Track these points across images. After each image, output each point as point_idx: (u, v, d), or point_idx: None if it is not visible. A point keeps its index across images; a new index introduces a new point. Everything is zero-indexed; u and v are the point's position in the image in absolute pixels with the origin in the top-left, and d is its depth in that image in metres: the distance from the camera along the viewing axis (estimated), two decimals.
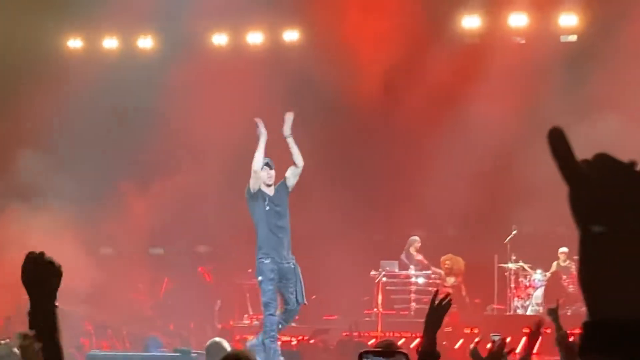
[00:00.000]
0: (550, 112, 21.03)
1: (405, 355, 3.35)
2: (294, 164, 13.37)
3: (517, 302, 20.52)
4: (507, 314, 20.43)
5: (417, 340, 14.42)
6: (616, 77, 20.23)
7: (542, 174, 20.65)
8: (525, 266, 20.54)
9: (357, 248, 20.17)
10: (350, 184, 21.67)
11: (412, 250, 20.96)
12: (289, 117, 13.41)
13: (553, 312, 8.95)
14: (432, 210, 20.94)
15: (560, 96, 20.94)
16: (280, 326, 13.38)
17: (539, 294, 20.18)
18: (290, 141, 13.32)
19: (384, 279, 20.56)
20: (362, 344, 17.15)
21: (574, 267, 20.73)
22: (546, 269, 20.58)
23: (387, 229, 22.04)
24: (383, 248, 21.37)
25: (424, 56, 21.66)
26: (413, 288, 20.69)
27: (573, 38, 21.93)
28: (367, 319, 20.42)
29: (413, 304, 20.59)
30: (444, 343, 18.62)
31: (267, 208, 13.20)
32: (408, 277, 20.76)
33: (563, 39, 22.00)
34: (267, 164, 13.23)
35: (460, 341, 18.84)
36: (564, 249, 20.82)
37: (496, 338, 6.59)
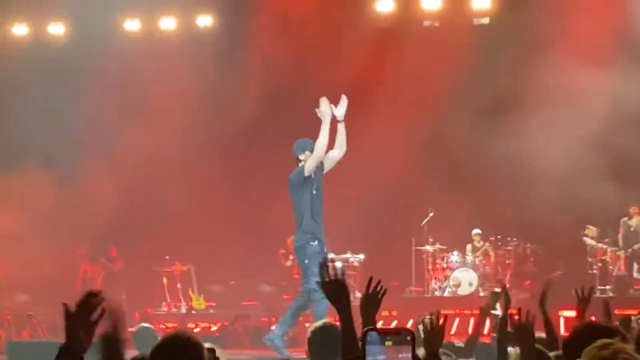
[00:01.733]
0: (465, 95, 21.30)
1: (411, 332, 3.32)
2: (340, 147, 12.99)
3: (434, 284, 20.71)
4: (425, 296, 20.61)
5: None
6: (527, 61, 20.56)
7: (458, 157, 21.08)
8: (442, 248, 20.79)
9: (273, 233, 20.15)
10: (263, 170, 21.49)
11: None
12: (344, 101, 12.91)
13: (495, 295, 8.98)
14: (349, 194, 20.97)
15: (474, 79, 21.20)
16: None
17: (456, 275, 20.38)
18: (341, 126, 12.88)
19: None
20: None
21: (489, 249, 21.01)
22: (462, 252, 20.81)
23: None
24: None
25: (338, 40, 21.64)
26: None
27: (486, 21, 22.12)
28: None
29: None
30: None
31: (314, 192, 12.83)
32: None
33: (476, 21, 22.17)
34: None
35: (380, 322, 18.95)
36: (477, 231, 21.10)
37: (427, 319, 6.64)
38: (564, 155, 19.59)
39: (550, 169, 19.84)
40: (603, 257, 20.54)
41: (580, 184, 19.28)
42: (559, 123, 20.07)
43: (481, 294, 20.25)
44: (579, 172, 19.36)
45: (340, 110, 12.82)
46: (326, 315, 11.45)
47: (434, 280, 20.72)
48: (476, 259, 20.71)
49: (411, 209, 21.40)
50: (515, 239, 21.11)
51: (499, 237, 21.25)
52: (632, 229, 20.55)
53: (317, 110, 12.77)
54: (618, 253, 20.42)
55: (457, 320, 18.36)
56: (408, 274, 21.03)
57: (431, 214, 20.72)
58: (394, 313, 19.43)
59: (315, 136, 12.84)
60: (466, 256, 20.69)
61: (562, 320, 16.56)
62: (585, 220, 20.55)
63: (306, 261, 12.70)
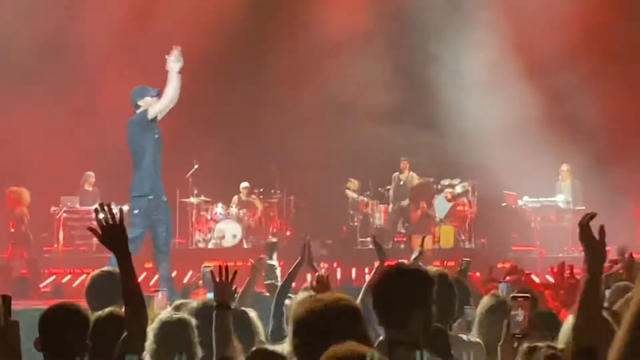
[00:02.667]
0: (239, 44, 21.33)
1: None
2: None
3: (198, 236, 20.68)
4: (189, 247, 20.56)
5: None
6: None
7: (222, 108, 21.06)
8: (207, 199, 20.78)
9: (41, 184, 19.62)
10: None
11: (86, 186, 20.61)
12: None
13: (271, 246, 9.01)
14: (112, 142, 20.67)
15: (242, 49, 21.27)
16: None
17: (220, 227, 20.41)
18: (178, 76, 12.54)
19: (65, 214, 20.11)
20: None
21: (256, 201, 21.16)
22: (227, 203, 20.86)
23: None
24: (63, 183, 20.73)
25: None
26: (94, 224, 20.33)
27: None
28: (46, 255, 19.92)
29: (94, 240, 20.27)
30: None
31: (156, 136, 12.46)
32: (89, 212, 20.39)
33: None
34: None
35: (144, 274, 18.81)
36: (245, 184, 21.22)
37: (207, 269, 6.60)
38: (329, 107, 19.93)
39: (317, 121, 20.17)
40: (364, 210, 21.09)
41: (347, 135, 19.70)
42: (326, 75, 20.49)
43: (245, 245, 20.43)
44: (346, 123, 19.79)
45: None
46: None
47: (197, 232, 20.69)
48: (240, 212, 20.82)
49: (175, 161, 21.21)
50: (279, 191, 21.33)
51: (262, 190, 21.43)
52: (401, 183, 21.17)
53: (167, 57, 12.44)
54: (380, 205, 21.01)
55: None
56: (172, 226, 20.83)
57: (196, 166, 20.62)
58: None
59: None
60: (230, 208, 20.76)
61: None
62: (349, 174, 21.03)
63: (135, 212, 12.50)
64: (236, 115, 21.16)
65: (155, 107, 12.35)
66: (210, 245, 20.33)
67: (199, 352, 5.21)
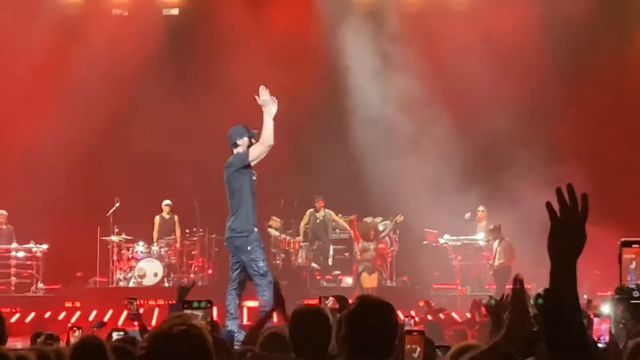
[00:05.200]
0: (153, 83, 21.35)
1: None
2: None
3: (119, 275, 20.50)
4: (110, 286, 20.37)
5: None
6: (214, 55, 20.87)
7: (142, 147, 20.97)
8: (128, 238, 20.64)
9: None
10: None
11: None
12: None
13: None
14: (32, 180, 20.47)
15: (164, 67, 21.33)
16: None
17: (141, 265, 20.25)
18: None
19: None
20: None
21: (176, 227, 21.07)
22: (149, 242, 20.73)
23: None
24: None
25: (22, 31, 21.23)
26: (13, 262, 20.14)
27: (175, 12, 22.24)
28: None
29: (13, 279, 20.08)
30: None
31: (254, 178, 12.41)
32: (8, 251, 20.17)
33: (165, 12, 22.24)
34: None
35: (63, 314, 18.68)
36: (168, 202, 21.04)
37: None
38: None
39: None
40: (286, 248, 21.13)
41: (267, 175, 19.76)
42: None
43: (166, 284, 20.30)
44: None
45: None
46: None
47: (118, 271, 20.51)
48: (162, 250, 20.70)
49: (96, 199, 21.12)
50: (201, 230, 21.26)
51: (187, 231, 21.36)
52: (318, 221, 21.26)
53: (258, 98, 12.33)
54: (302, 244, 21.06)
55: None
56: (92, 265, 20.70)
57: (117, 204, 20.47)
58: (77, 304, 19.15)
59: None
60: (152, 247, 20.63)
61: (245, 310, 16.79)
62: (270, 212, 21.05)
63: (249, 247, 12.31)
64: (155, 154, 21.11)
65: (257, 150, 12.32)
66: (131, 284, 20.15)
67: None
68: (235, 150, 12.46)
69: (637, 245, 4.13)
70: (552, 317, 3.05)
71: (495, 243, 20.05)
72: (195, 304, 4.96)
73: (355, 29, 21.73)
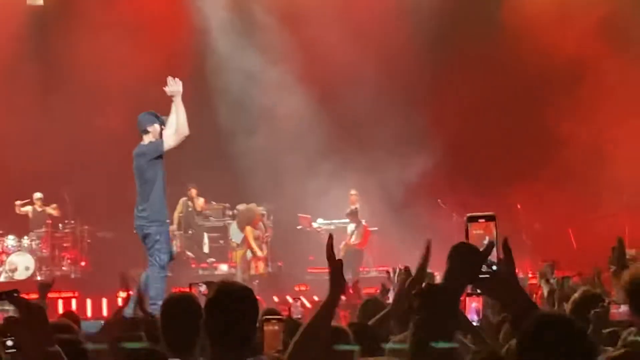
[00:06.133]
0: (16, 75, 21.01)
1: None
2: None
3: None
4: None
5: None
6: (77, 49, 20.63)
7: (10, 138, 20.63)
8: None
9: None
10: None
11: None
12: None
13: None
14: None
15: (27, 59, 21.04)
16: None
17: (12, 259, 19.93)
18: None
19: None
20: None
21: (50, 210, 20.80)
22: (19, 235, 20.40)
23: None
24: None
25: None
26: None
27: (40, 2, 21.89)
28: None
29: None
30: None
31: (163, 169, 12.31)
32: None
33: (30, 2, 21.88)
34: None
35: None
36: (39, 195, 20.74)
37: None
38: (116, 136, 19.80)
39: (106, 147, 20.02)
40: None
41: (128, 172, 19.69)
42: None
43: (38, 277, 20.01)
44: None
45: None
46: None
47: None
48: (33, 243, 20.41)
49: None
50: (72, 221, 21.01)
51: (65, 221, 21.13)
52: (189, 209, 21.22)
53: (166, 89, 12.18)
54: (176, 232, 20.98)
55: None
56: None
57: None
58: None
59: None
60: (22, 240, 20.31)
61: None
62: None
63: (158, 237, 12.28)
64: (24, 145, 20.82)
65: (173, 141, 12.25)
66: (2, 279, 19.79)
67: None
68: (145, 137, 12.41)
69: (484, 220, 4.14)
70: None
71: (352, 226, 20.43)
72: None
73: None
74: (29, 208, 20.99)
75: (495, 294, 4.12)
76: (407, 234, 18.66)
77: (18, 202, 20.88)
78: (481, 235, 4.04)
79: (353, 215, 20.34)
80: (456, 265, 4.02)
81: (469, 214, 4.07)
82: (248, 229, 20.14)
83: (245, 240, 20.26)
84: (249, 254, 19.99)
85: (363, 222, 20.47)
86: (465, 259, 3.96)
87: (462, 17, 21.92)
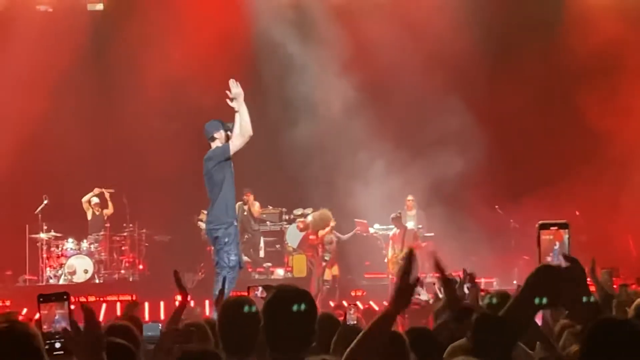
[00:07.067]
0: (78, 80, 21.17)
1: None
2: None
3: (49, 272, 20.36)
4: (40, 284, 20.18)
5: None
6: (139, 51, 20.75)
7: (72, 140, 20.83)
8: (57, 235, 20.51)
9: None
10: None
11: None
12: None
13: None
14: None
15: (89, 64, 21.18)
16: None
17: (71, 262, 20.16)
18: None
19: None
20: None
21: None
22: (78, 239, 20.61)
23: None
24: None
25: None
26: None
27: (100, 7, 22.10)
28: None
29: None
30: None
31: (232, 170, 12.51)
32: None
33: (90, 7, 22.09)
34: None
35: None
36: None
37: None
38: (180, 141, 19.86)
39: (165, 152, 20.13)
40: None
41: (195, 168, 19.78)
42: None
43: (97, 280, 20.22)
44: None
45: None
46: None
47: (48, 268, 20.37)
48: (92, 246, 20.61)
49: (24, 197, 20.96)
50: (130, 225, 21.19)
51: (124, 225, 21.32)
52: (245, 214, 21.28)
53: (229, 92, 12.30)
54: None
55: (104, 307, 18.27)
56: (22, 263, 20.55)
57: (45, 202, 20.38)
58: (7, 303, 18.95)
59: None
60: (81, 243, 20.52)
61: None
62: (200, 206, 21.03)
63: (226, 239, 12.36)
64: (85, 150, 21.03)
65: (239, 142, 12.39)
66: (61, 281, 20.01)
67: None
68: (212, 144, 12.58)
69: (555, 227, 4.21)
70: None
71: (396, 231, 20.21)
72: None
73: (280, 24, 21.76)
74: (89, 211, 21.22)
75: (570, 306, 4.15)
76: (463, 238, 18.57)
77: (84, 199, 21.14)
78: (551, 240, 4.09)
79: (397, 220, 20.16)
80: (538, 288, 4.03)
81: (541, 222, 4.15)
82: (323, 232, 19.88)
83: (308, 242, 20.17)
84: (327, 256, 19.71)
85: (409, 226, 20.26)
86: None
87: (514, 12, 21.71)
